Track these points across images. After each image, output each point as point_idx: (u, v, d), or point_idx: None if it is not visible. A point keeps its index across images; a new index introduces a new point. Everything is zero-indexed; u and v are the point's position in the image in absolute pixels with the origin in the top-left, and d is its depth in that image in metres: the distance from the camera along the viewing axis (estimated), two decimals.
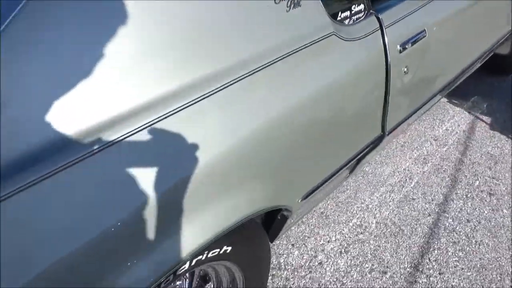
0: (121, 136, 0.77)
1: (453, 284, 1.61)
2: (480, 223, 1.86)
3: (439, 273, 1.65)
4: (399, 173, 2.17)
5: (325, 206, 1.98)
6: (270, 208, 1.04)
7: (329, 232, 1.84)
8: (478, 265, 1.68)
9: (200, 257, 0.99)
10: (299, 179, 1.14)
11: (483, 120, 2.56)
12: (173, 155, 0.84)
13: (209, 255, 1.02)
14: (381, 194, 2.04)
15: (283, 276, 1.66)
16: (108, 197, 0.75)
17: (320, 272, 1.67)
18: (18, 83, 0.69)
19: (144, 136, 0.79)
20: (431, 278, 1.63)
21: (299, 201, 1.15)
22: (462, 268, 1.67)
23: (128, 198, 0.77)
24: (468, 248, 1.75)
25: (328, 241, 1.80)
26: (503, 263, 1.68)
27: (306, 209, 1.36)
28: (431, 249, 1.75)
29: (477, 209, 1.93)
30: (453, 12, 1.67)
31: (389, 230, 1.84)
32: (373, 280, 1.63)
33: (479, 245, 1.76)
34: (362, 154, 1.39)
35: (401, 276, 1.64)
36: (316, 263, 1.71)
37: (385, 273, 1.66)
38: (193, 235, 0.90)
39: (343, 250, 1.76)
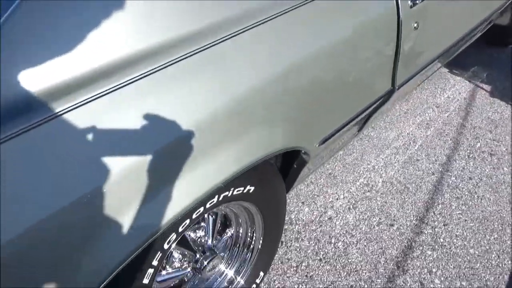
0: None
1: (456, 234, 1.69)
2: (481, 180, 1.94)
3: (444, 225, 1.74)
4: (403, 137, 2.24)
5: (333, 167, 2.05)
6: (290, 148, 1.11)
7: (338, 191, 1.92)
8: (481, 217, 1.76)
9: (226, 193, 1.05)
10: (316, 125, 1.20)
11: (483, 88, 2.63)
12: (198, 94, 0.89)
13: (234, 193, 1.08)
14: (386, 156, 2.11)
15: (294, 230, 1.74)
16: (130, 135, 0.80)
17: (330, 226, 1.75)
18: None
19: (164, 74, 0.84)
20: (436, 229, 1.72)
21: (317, 145, 1.22)
22: (465, 220, 1.75)
23: (154, 136, 0.81)
24: (470, 202, 1.83)
25: (337, 199, 1.88)
26: (504, 215, 1.76)
27: (320, 159, 1.43)
28: (436, 204, 1.83)
29: (478, 168, 2.01)
30: None
31: (395, 188, 1.92)
32: (381, 231, 1.72)
33: (481, 199, 1.85)
34: (373, 108, 1.46)
35: (408, 228, 1.73)
36: (326, 218, 1.79)
37: (392, 225, 1.74)
38: (217, 170, 0.96)
39: (351, 206, 1.84)
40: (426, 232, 1.71)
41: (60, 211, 0.71)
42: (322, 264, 1.59)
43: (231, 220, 1.30)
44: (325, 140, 1.24)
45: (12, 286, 0.70)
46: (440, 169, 2.02)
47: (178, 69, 0.86)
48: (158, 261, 0.96)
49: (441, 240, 1.67)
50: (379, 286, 1.51)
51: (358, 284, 1.52)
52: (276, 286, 1.51)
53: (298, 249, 1.65)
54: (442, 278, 1.53)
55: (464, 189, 1.90)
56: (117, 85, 0.78)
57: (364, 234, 1.71)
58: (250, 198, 1.16)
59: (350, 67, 1.26)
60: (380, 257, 1.61)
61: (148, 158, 0.80)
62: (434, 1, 1.49)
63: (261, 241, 1.31)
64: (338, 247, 1.66)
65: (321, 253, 1.64)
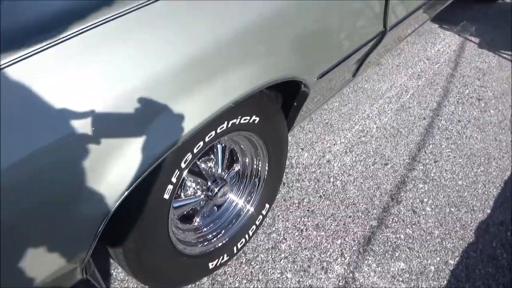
0: None
1: (446, 169, 1.82)
2: (470, 122, 2.06)
3: (434, 161, 1.86)
4: (395, 87, 2.35)
5: (330, 117, 2.15)
6: (292, 77, 1.20)
7: (335, 137, 2.03)
8: (468, 153, 1.89)
9: (234, 120, 1.15)
10: (315, 59, 1.30)
11: (471, 41, 2.72)
12: (204, 22, 0.98)
13: (241, 121, 1.18)
14: (380, 105, 2.22)
15: (295, 172, 1.86)
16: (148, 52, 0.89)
17: (328, 167, 1.87)
18: None
19: None
20: (427, 166, 1.84)
21: (315, 79, 1.32)
22: (455, 157, 1.87)
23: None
24: (459, 142, 1.95)
25: (334, 144, 1.99)
26: (490, 151, 1.89)
27: (319, 97, 1.53)
28: (427, 144, 1.95)
29: (467, 112, 2.13)
30: None
31: (388, 132, 2.04)
32: (376, 170, 1.84)
33: (469, 138, 1.97)
34: (367, 49, 1.55)
35: (401, 166, 1.85)
36: (325, 161, 1.91)
37: (387, 164, 1.86)
38: (225, 92, 1.05)
39: (348, 150, 1.95)
40: (418, 168, 1.83)
41: (92, 120, 0.81)
42: (322, 200, 1.72)
43: (238, 154, 1.41)
44: (323, 75, 1.34)
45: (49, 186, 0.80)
46: (431, 114, 2.13)
47: None
48: (176, 178, 1.07)
49: (432, 174, 1.80)
50: (375, 216, 1.64)
51: (356, 215, 1.64)
52: (281, 221, 1.64)
53: (299, 189, 1.77)
54: (432, 206, 1.66)
55: (453, 131, 2.02)
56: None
57: (360, 173, 1.83)
58: (255, 128, 1.26)
59: (345, 7, 1.35)
60: (375, 191, 1.74)
61: (164, 75, 0.90)
62: None
63: (266, 172, 1.42)
64: (337, 185, 1.78)
65: (321, 190, 1.76)
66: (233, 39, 1.02)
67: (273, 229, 1.61)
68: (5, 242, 0.76)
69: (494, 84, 2.30)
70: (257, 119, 1.24)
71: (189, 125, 0.97)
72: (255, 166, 1.42)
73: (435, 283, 1.40)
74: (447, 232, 1.56)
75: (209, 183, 1.32)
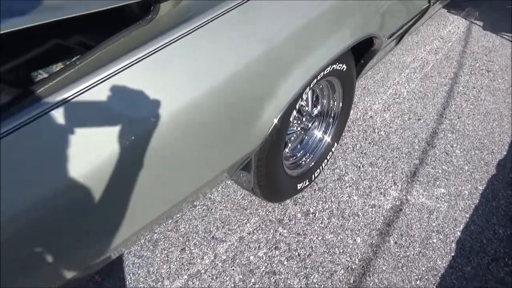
0: None
1: (468, 123, 2.23)
2: (482, 88, 2.48)
3: (458, 117, 2.27)
4: (417, 60, 2.74)
5: (366, 83, 2.53)
6: (374, 33, 1.56)
7: (373, 98, 2.41)
8: (484, 112, 2.31)
9: (334, 66, 1.51)
10: (387, 22, 1.66)
11: (477, 24, 3.15)
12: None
13: (336, 68, 1.54)
14: (406, 74, 2.61)
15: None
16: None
17: (372, 121, 2.25)
18: None
19: None
20: (452, 121, 2.25)
21: (386, 39, 1.68)
22: (474, 114, 2.29)
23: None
24: (476, 103, 2.37)
25: (374, 104, 2.37)
26: (501, 110, 2.31)
27: (380, 56, 1.90)
28: (450, 105, 2.36)
29: (479, 80, 2.55)
30: None
31: (417, 95, 2.43)
32: (412, 124, 2.23)
33: (484, 100, 2.39)
34: (414, 20, 1.93)
35: (431, 121, 2.25)
36: (368, 117, 2.28)
37: (419, 119, 2.26)
38: (328, 49, 1.40)
39: (386, 108, 2.34)
40: (445, 122, 2.23)
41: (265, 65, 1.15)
42: (371, 145, 2.10)
43: (320, 96, 1.76)
44: (390, 36, 1.71)
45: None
46: (450, 82, 2.54)
47: None
48: (299, 104, 1.42)
49: (457, 127, 2.21)
50: (416, 156, 2.03)
51: (400, 156, 2.03)
52: (340, 160, 2.01)
53: (351, 137, 2.14)
54: (461, 149, 2.07)
55: (470, 95, 2.43)
56: None
57: (399, 125, 2.22)
58: (341, 75, 1.61)
59: None
60: (414, 139, 2.13)
61: (300, 33, 1.24)
62: None
63: (339, 111, 1.78)
64: (381, 135, 2.16)
65: (369, 138, 2.14)
66: (338, 7, 1.37)
67: (336, 166, 1.98)
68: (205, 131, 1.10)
69: (499, 59, 2.74)
70: (345, 67, 1.60)
71: (315, 67, 1.32)
72: (331, 106, 1.78)
73: (469, 202, 1.81)
74: (474, 168, 1.97)
75: (303, 119, 1.67)
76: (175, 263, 1.59)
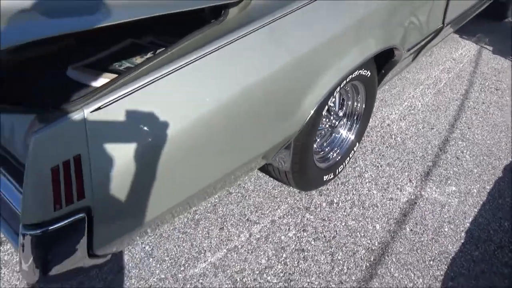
0: None
1: (477, 133, 2.44)
2: (491, 103, 2.71)
3: (468, 128, 2.49)
4: (431, 78, 2.99)
5: (383, 96, 2.77)
6: (395, 45, 1.81)
7: (390, 109, 2.64)
8: (493, 124, 2.52)
9: (360, 71, 1.75)
10: (408, 36, 1.91)
11: (487, 48, 3.41)
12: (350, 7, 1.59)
13: (362, 73, 1.78)
14: (421, 89, 2.85)
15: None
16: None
17: (389, 129, 2.48)
18: None
19: None
20: (463, 130, 2.46)
21: (405, 51, 1.94)
22: (482, 126, 2.51)
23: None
24: (485, 116, 2.59)
25: (390, 114, 2.61)
26: (508, 123, 2.53)
27: (398, 69, 2.15)
28: (461, 117, 2.58)
29: (488, 97, 2.78)
30: None
31: (430, 108, 2.66)
32: (426, 132, 2.45)
33: (492, 114, 2.61)
34: (430, 37, 2.19)
35: (443, 130, 2.47)
36: (385, 124, 2.51)
37: (432, 128, 2.48)
38: (357, 55, 1.66)
39: (402, 118, 2.57)
40: (456, 132, 2.45)
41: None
42: (388, 149, 2.32)
43: (345, 98, 2.00)
44: (409, 49, 1.96)
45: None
46: (461, 98, 2.77)
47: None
48: (330, 103, 1.66)
49: (467, 136, 2.42)
50: (429, 159, 2.24)
51: (415, 159, 2.24)
52: (360, 161, 2.23)
53: (370, 141, 2.37)
54: (470, 155, 2.28)
55: (479, 109, 2.66)
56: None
57: (414, 133, 2.44)
58: (365, 79, 1.86)
59: (427, 6, 1.99)
60: (427, 145, 2.35)
61: (332, 41, 1.50)
62: None
63: (362, 110, 2.02)
64: (398, 140, 2.39)
65: (386, 143, 2.36)
66: (366, 20, 1.63)
67: (356, 164, 2.20)
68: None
69: (507, 79, 2.97)
70: (369, 73, 1.84)
71: (345, 70, 1.57)
72: (355, 107, 2.01)
73: (477, 199, 2.00)
74: (482, 171, 2.17)
75: (331, 117, 1.91)
76: (215, 239, 1.81)
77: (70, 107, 0.89)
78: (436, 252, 1.75)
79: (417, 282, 1.64)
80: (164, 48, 1.21)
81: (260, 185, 2.07)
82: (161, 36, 1.59)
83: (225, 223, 1.88)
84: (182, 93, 1.12)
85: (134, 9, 1.14)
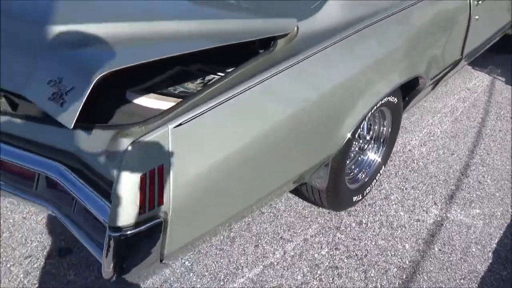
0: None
1: (496, 159, 2.54)
2: (508, 131, 2.82)
3: (487, 154, 2.58)
4: (447, 106, 3.12)
5: (403, 123, 2.89)
6: (420, 74, 1.95)
7: (410, 136, 2.76)
8: (508, 149, 2.62)
9: (388, 98, 1.88)
10: (431, 66, 2.05)
11: (499, 79, 3.55)
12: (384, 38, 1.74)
13: (390, 100, 1.91)
14: (439, 117, 2.97)
15: None
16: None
17: (411, 154, 2.58)
18: None
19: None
20: (482, 156, 2.56)
21: (429, 80, 2.07)
22: (501, 152, 2.60)
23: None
24: (503, 143, 2.69)
25: (411, 140, 2.72)
26: None
27: (421, 96, 2.28)
28: (479, 143, 2.69)
29: (504, 125, 2.89)
30: None
31: (449, 135, 2.77)
32: (446, 157, 2.55)
33: (510, 142, 2.71)
34: (446, 71, 2.33)
35: (464, 155, 2.57)
36: (407, 150, 2.62)
37: (453, 154, 2.58)
38: (388, 83, 1.79)
39: (422, 144, 2.67)
40: (476, 157, 2.55)
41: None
42: (412, 173, 2.41)
43: (371, 123, 2.12)
44: (432, 78, 2.10)
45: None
46: (478, 125, 2.88)
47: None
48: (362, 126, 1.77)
49: (487, 161, 2.51)
50: (452, 183, 2.33)
51: (438, 182, 2.33)
52: (384, 184, 2.32)
53: (393, 165, 2.47)
54: (492, 179, 2.36)
55: (497, 136, 2.76)
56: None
57: (435, 158, 2.54)
58: (392, 106, 1.99)
59: (449, 40, 2.14)
60: (449, 169, 2.44)
61: (366, 73, 1.64)
62: (487, 1, 2.40)
63: (388, 134, 2.13)
64: (420, 165, 2.48)
65: (409, 167, 2.46)
66: (395, 51, 1.78)
67: (382, 187, 2.29)
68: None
69: None
70: (396, 100, 1.97)
71: (378, 96, 1.71)
72: (381, 131, 2.13)
73: (501, 221, 2.08)
74: (504, 194, 2.25)
75: (360, 140, 2.03)
76: (251, 255, 1.89)
77: (154, 123, 1.02)
78: (465, 271, 1.81)
79: None
80: (223, 75, 1.34)
81: (291, 205, 2.17)
82: (208, 64, 1.73)
83: (259, 241, 1.96)
84: (244, 114, 1.24)
85: (195, 41, 1.28)
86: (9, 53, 1.12)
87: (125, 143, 1.08)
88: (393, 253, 1.90)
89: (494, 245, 1.94)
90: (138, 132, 1.08)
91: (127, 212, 0.97)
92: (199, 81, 1.64)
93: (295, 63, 1.39)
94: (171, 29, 1.23)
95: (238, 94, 1.23)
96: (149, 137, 0.98)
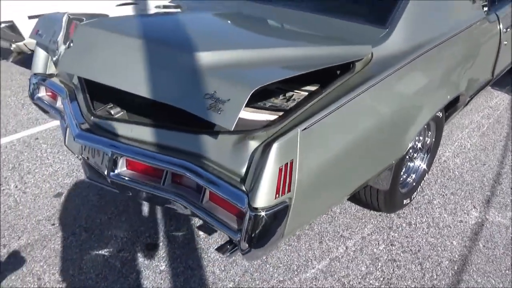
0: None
1: None
2: None
3: None
4: (474, 123, 3.40)
5: None
6: (463, 92, 2.24)
7: (443, 149, 3.03)
8: None
9: (438, 113, 2.16)
10: (470, 85, 2.35)
11: None
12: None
13: (436, 114, 2.19)
14: (467, 132, 3.25)
15: None
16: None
17: (446, 164, 2.85)
18: None
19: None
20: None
21: (468, 97, 2.36)
22: None
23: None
24: None
25: (445, 152, 2.99)
26: None
27: (458, 112, 2.57)
28: (507, 155, 2.95)
29: None
30: None
31: (478, 147, 3.04)
32: (479, 167, 2.82)
33: None
34: (482, 86, 2.63)
35: (494, 166, 2.83)
36: (442, 161, 2.89)
37: (484, 164, 2.85)
38: (442, 99, 2.08)
39: (455, 156, 2.95)
40: (506, 167, 2.81)
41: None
42: (449, 181, 2.67)
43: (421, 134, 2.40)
44: (470, 95, 2.39)
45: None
46: (504, 139, 3.16)
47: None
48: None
49: None
50: (487, 190, 2.58)
51: (474, 189, 2.59)
52: (424, 194, 2.58)
53: (432, 175, 2.73)
54: None
55: None
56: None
57: (469, 168, 2.81)
58: (437, 119, 2.27)
59: (483, 63, 2.45)
60: (482, 178, 2.70)
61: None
62: None
63: (432, 144, 2.40)
64: (456, 174, 2.75)
65: (447, 176, 2.72)
66: (448, 73, 2.08)
67: (424, 193, 2.55)
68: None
69: None
70: (440, 114, 2.26)
71: (434, 110, 1.99)
72: (426, 141, 2.41)
73: None
74: None
75: (411, 150, 2.30)
76: (317, 250, 2.14)
77: (276, 128, 1.32)
78: (509, 263, 2.06)
79: (498, 287, 1.94)
80: (318, 92, 1.61)
81: (345, 208, 2.42)
82: (284, 83, 2.03)
83: (323, 238, 2.21)
84: (343, 122, 1.52)
85: (301, 65, 1.55)
86: (162, 73, 1.41)
87: (252, 145, 1.36)
88: (443, 249, 2.14)
89: None
90: (262, 136, 1.36)
91: (267, 196, 1.24)
92: (281, 97, 1.93)
93: (374, 84, 1.67)
94: (280, 54, 1.53)
95: (340, 108, 1.50)
96: (286, 138, 1.26)
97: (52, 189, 2.57)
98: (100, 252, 2.11)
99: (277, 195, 1.26)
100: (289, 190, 1.30)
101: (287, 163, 1.26)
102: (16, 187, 2.59)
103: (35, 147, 3.05)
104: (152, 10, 3.40)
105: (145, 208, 2.41)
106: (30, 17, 3.35)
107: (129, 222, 2.30)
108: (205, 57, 1.38)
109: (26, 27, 3.37)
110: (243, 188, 1.32)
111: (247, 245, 1.30)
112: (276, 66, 1.50)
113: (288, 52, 1.61)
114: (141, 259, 2.09)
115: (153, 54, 1.44)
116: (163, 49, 1.45)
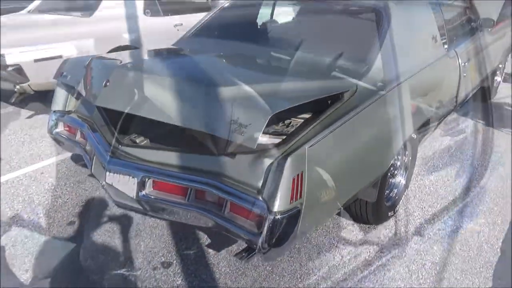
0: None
1: (492, 180, 3.18)
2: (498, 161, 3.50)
3: (486, 179, 3.23)
4: (444, 145, 3.81)
5: None
6: (430, 117, 2.62)
7: (419, 168, 3.39)
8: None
9: (411, 134, 2.52)
10: (435, 113, 2.74)
11: (480, 122, 4.32)
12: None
13: (412, 135, 2.55)
14: (438, 153, 3.65)
15: None
16: None
17: (423, 182, 3.20)
18: None
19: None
20: (479, 182, 3.20)
21: (436, 122, 2.75)
22: (493, 173, 3.26)
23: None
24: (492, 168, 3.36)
25: (421, 171, 3.35)
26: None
27: (428, 134, 2.95)
28: (474, 172, 3.34)
29: (492, 158, 3.58)
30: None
31: (449, 166, 3.43)
32: (450, 183, 3.17)
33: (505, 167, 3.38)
34: (445, 114, 3.03)
35: (464, 182, 3.20)
36: (419, 178, 3.24)
37: (455, 180, 3.21)
38: (416, 122, 2.45)
39: (430, 174, 3.31)
40: (473, 182, 3.19)
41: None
42: (426, 195, 3.01)
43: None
44: (437, 120, 2.79)
45: None
46: (470, 158, 3.56)
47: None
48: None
49: (486, 185, 3.15)
50: (460, 201, 2.93)
51: (446, 203, 2.93)
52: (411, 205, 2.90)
53: (409, 190, 3.07)
54: (489, 197, 2.98)
55: (488, 166, 3.44)
56: None
57: (442, 184, 3.16)
58: (412, 140, 2.63)
59: (444, 91, 2.87)
60: (455, 191, 3.06)
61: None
62: (471, 62, 3.19)
63: (409, 162, 2.75)
64: (431, 189, 3.09)
65: (423, 191, 3.06)
66: (420, 102, 2.46)
67: (405, 207, 2.87)
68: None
69: (503, 143, 3.82)
70: (415, 135, 2.62)
71: (410, 131, 2.35)
72: (404, 160, 2.75)
73: (502, 227, 2.67)
74: (502, 207, 2.87)
75: (391, 168, 2.64)
76: (316, 260, 2.39)
77: (287, 147, 1.62)
78: (482, 262, 2.37)
79: (474, 282, 2.23)
80: (315, 118, 1.92)
81: (338, 223, 2.71)
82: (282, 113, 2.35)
83: (320, 249, 2.47)
84: (340, 142, 1.84)
85: (295, 98, 1.87)
86: (191, 105, 1.71)
87: (266, 162, 1.65)
88: (425, 253, 2.44)
89: (500, 243, 2.52)
90: (274, 154, 1.66)
91: (284, 201, 1.52)
92: (280, 124, 2.24)
93: (361, 110, 2.01)
94: (286, 87, 1.86)
95: (336, 129, 1.82)
96: (297, 153, 1.56)
97: (65, 218, 2.75)
98: (119, 271, 2.29)
99: (292, 201, 1.54)
100: (300, 197, 1.58)
101: (299, 174, 1.55)
102: (29, 218, 2.75)
103: (41, 180, 3.22)
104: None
105: (157, 231, 2.62)
106: (36, 61, 3.61)
107: (143, 244, 2.50)
108: (226, 91, 1.69)
109: (31, 70, 3.61)
110: (260, 197, 1.59)
111: (267, 245, 1.55)
112: (284, 97, 1.83)
113: (292, 85, 1.96)
114: (158, 276, 2.28)
115: (182, 90, 1.73)
116: (191, 86, 1.75)
